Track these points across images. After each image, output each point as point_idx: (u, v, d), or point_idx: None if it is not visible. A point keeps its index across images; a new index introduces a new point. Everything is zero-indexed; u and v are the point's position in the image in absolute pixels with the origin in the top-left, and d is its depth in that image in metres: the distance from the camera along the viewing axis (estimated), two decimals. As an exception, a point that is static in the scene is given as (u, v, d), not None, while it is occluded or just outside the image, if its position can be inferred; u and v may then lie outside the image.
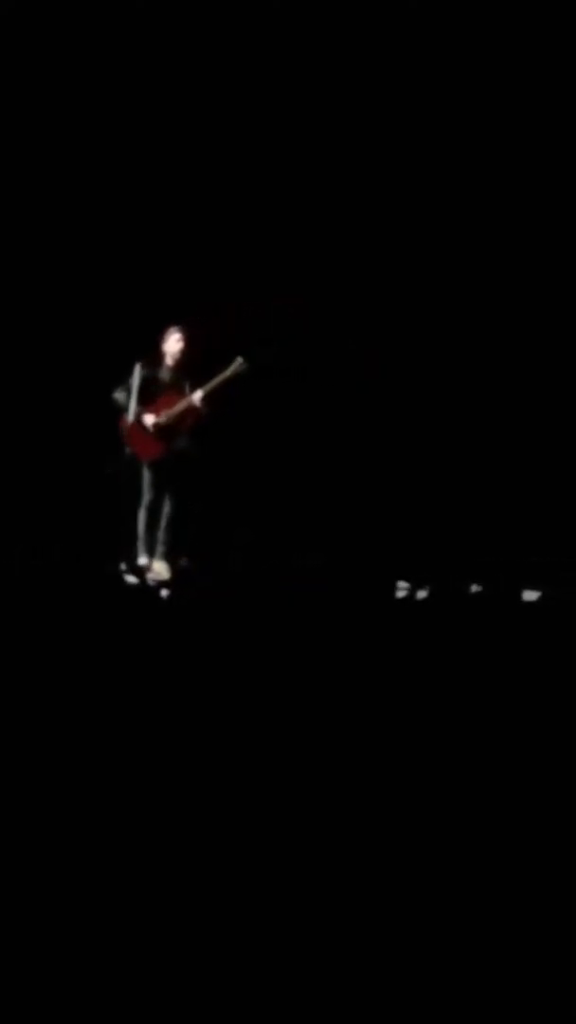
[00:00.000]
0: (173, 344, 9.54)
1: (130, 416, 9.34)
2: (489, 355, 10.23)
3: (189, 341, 9.52)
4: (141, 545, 9.35)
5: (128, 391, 9.34)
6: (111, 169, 10.77)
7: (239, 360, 9.29)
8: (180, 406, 9.36)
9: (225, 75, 10.56)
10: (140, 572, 9.13)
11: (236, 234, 10.71)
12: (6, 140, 10.65)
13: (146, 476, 9.43)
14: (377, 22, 10.47)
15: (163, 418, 9.37)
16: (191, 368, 9.50)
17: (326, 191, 10.70)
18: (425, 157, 10.57)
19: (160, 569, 9.20)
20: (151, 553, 9.31)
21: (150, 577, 9.03)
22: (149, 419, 9.34)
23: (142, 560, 9.27)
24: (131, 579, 8.90)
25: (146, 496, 9.40)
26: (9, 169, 10.66)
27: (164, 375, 9.52)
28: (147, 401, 9.39)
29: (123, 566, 9.21)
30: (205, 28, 10.51)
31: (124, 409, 9.34)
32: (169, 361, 9.54)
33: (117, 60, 10.47)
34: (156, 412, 9.36)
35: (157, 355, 9.57)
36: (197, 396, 9.34)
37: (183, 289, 10.49)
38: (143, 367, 9.42)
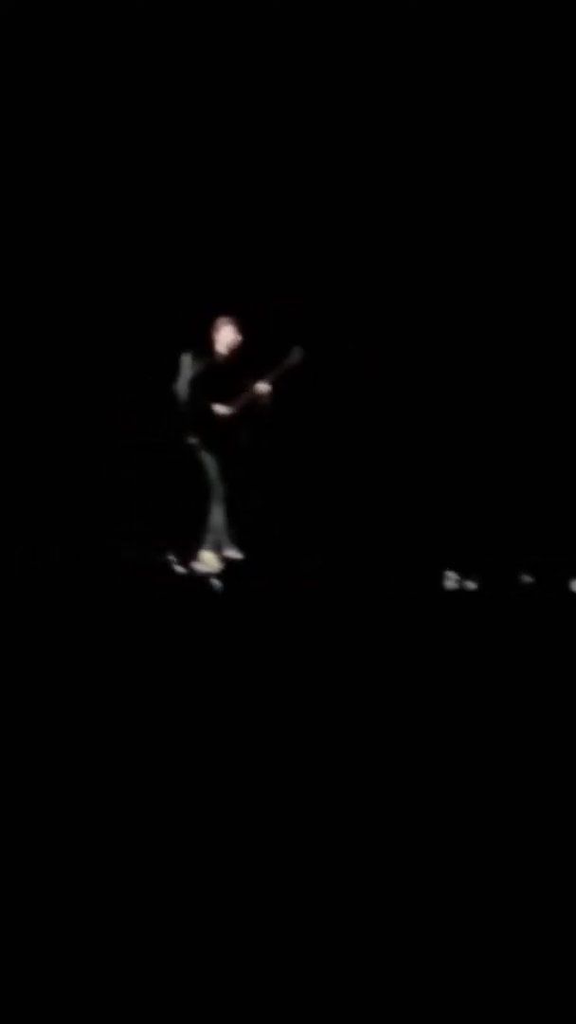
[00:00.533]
0: (229, 335, 9.40)
1: (196, 406, 9.23)
2: (525, 343, 10.27)
3: (243, 332, 9.42)
4: (228, 536, 9.22)
5: (187, 382, 9.22)
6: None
7: (297, 349, 9.23)
8: (248, 396, 9.27)
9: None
10: (228, 563, 9.01)
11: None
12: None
13: (217, 467, 9.28)
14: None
15: (233, 408, 9.26)
16: (243, 358, 9.41)
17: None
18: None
19: (208, 559, 9.11)
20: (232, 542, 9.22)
21: (199, 567, 8.97)
22: (221, 409, 9.24)
23: (232, 552, 9.14)
24: (181, 569, 8.89)
25: (222, 487, 9.27)
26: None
27: (220, 366, 9.39)
28: (209, 392, 9.29)
29: (171, 556, 9.14)
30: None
31: (187, 400, 9.22)
32: (224, 351, 9.41)
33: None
34: (225, 402, 9.25)
35: (207, 346, 9.44)
36: (263, 387, 9.25)
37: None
38: (195, 357, 9.32)
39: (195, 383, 9.21)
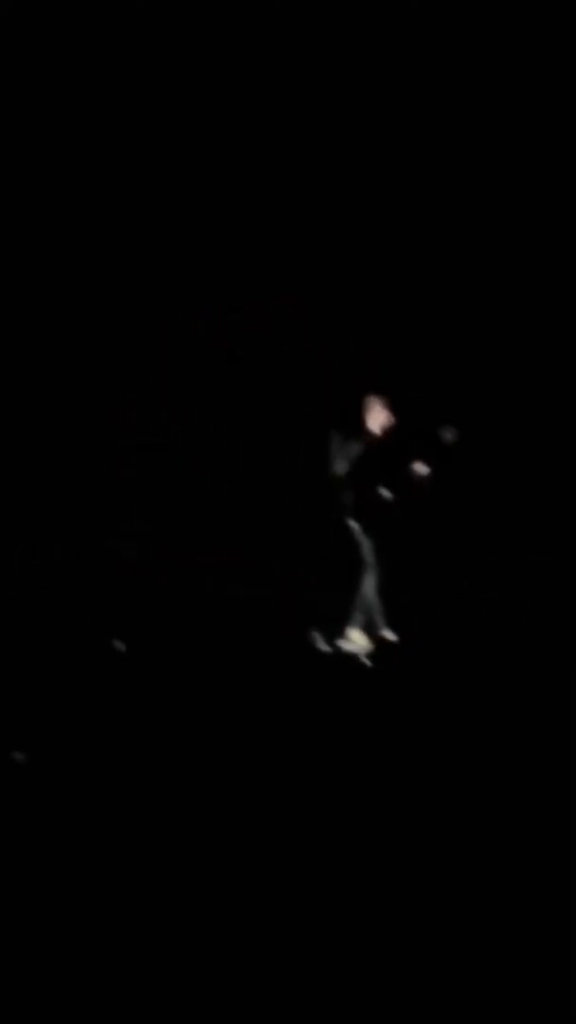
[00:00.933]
0: (381, 416, 9.25)
1: (354, 489, 9.12)
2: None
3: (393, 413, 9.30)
4: (380, 616, 9.08)
5: (345, 465, 9.09)
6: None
7: (449, 427, 9.15)
8: (407, 476, 9.12)
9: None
10: (377, 640, 8.96)
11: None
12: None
13: (373, 548, 9.12)
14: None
15: (399, 491, 9.13)
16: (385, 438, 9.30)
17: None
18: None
19: (357, 638, 9.07)
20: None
21: (348, 646, 8.95)
22: (381, 491, 9.09)
23: (384, 632, 9.04)
24: (326, 648, 8.90)
25: (377, 569, 9.12)
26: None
27: (375, 447, 9.22)
28: (366, 474, 9.15)
29: (316, 633, 9.08)
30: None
31: (345, 482, 9.09)
32: (377, 431, 9.23)
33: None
34: (381, 483, 9.12)
35: (358, 427, 9.31)
36: (421, 467, 9.12)
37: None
38: (344, 441, 9.20)
39: (352, 465, 9.12)
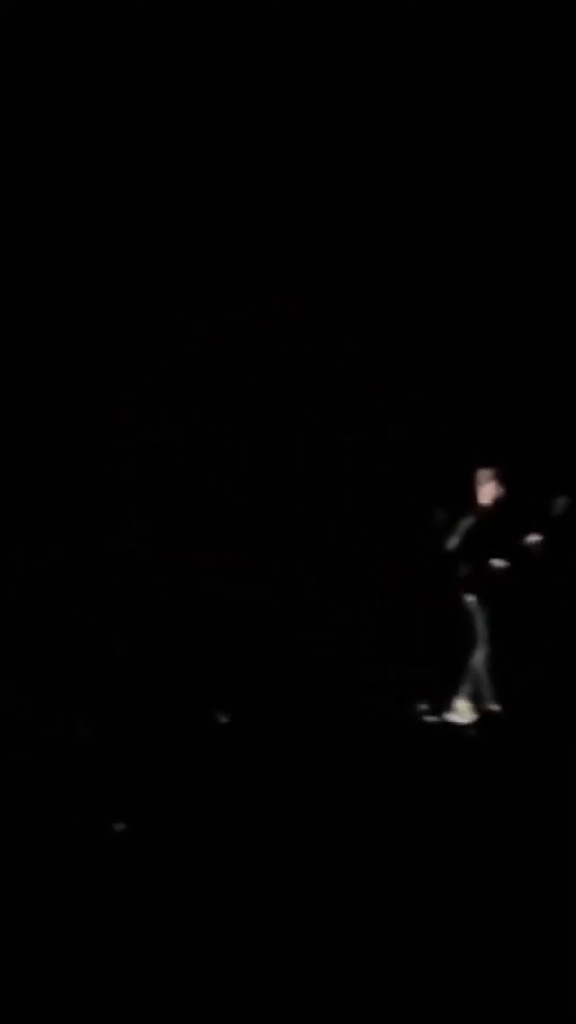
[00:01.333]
0: (493, 489, 9.22)
1: (470, 562, 9.08)
2: None
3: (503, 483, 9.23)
4: (489, 689, 9.05)
5: (457, 538, 9.05)
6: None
7: (564, 498, 9.13)
8: (524, 548, 9.07)
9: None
10: (485, 714, 8.89)
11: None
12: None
13: (487, 620, 9.11)
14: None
15: (507, 562, 9.09)
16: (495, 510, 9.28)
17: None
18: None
19: (463, 708, 9.04)
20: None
21: (453, 717, 8.90)
22: (496, 562, 9.05)
23: (491, 705, 8.95)
24: (432, 719, 8.89)
25: (488, 641, 9.06)
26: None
27: (488, 519, 9.22)
28: (479, 546, 9.11)
29: (423, 706, 9.05)
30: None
31: (459, 555, 9.04)
32: (489, 505, 9.21)
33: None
34: (494, 555, 9.08)
35: (471, 500, 9.30)
36: (535, 539, 9.10)
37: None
38: (453, 512, 9.16)
39: (465, 538, 9.09)
